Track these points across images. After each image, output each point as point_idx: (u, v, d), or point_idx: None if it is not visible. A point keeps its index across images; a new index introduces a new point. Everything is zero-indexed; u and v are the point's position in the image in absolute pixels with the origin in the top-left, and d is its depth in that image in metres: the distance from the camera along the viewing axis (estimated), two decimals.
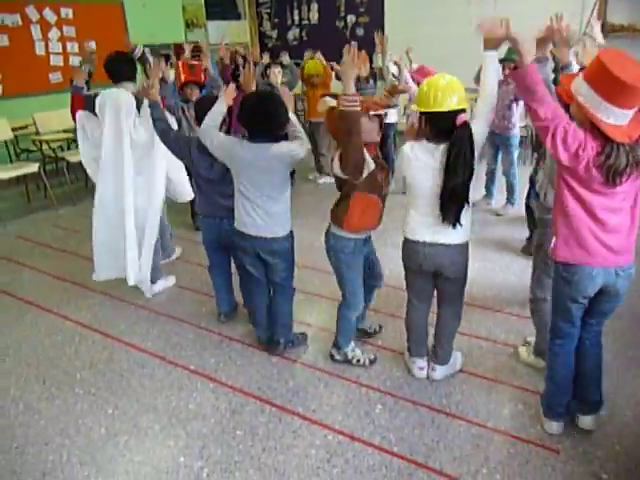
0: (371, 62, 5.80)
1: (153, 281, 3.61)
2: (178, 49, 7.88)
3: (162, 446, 2.34)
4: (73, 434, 2.43)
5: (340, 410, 2.50)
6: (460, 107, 2.16)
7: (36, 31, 6.56)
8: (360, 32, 8.41)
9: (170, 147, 2.93)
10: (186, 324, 3.29)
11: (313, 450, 2.27)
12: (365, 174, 2.36)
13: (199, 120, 2.78)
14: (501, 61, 3.88)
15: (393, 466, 2.17)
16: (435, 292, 2.56)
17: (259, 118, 2.49)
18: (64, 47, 6.87)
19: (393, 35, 8.07)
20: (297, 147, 2.55)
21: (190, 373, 2.82)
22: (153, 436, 2.40)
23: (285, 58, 6.16)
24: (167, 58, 5.85)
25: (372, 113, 2.38)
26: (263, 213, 2.60)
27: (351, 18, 8.48)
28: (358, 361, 2.79)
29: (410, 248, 2.44)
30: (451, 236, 2.31)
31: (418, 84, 3.06)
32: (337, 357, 2.82)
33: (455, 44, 5.15)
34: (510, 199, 4.87)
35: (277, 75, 5.24)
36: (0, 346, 3.15)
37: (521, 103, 4.29)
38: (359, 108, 2.23)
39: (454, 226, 2.25)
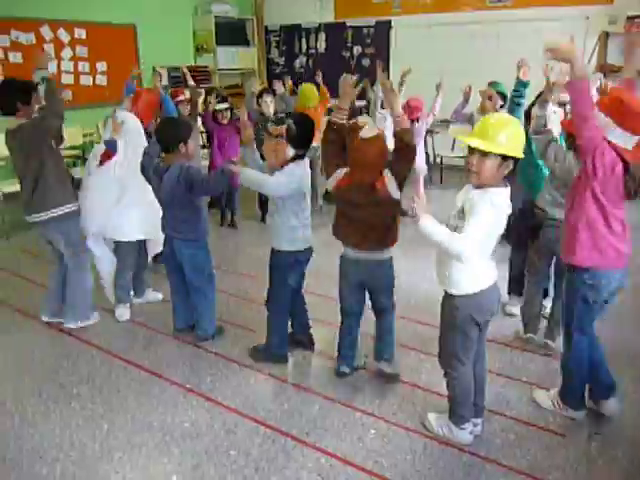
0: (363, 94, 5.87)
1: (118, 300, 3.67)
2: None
3: (156, 463, 2.35)
4: (68, 448, 2.44)
5: (333, 434, 2.52)
6: None
7: (49, 50, 6.71)
8: (366, 62, 8.61)
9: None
10: (182, 343, 3.32)
11: (305, 472, 2.29)
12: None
13: (160, 143, 3.01)
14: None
15: None
16: None
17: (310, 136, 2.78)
18: (75, 66, 7.02)
19: (397, 67, 8.33)
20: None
21: (186, 391, 2.85)
22: (147, 453, 2.41)
23: (279, 87, 6.09)
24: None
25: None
26: None
27: (357, 49, 8.69)
28: None
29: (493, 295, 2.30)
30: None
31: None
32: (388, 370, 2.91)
33: (458, 77, 5.30)
34: None
35: (269, 105, 5.21)
36: None
37: None
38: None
39: None
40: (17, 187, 3.66)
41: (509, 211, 2.10)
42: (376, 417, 2.63)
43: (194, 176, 2.92)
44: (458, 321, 2.22)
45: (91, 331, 3.47)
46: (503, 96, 4.13)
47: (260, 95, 5.31)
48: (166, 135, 2.99)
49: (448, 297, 2.27)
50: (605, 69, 6.22)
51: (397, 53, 8.25)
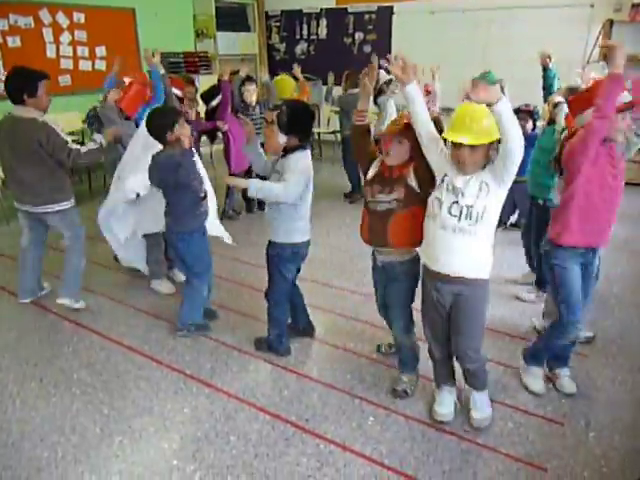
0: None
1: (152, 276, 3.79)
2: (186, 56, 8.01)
3: (156, 448, 2.37)
4: (68, 432, 2.46)
5: (333, 420, 2.53)
6: None
7: (48, 34, 6.65)
8: (367, 49, 8.54)
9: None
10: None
11: (304, 458, 2.31)
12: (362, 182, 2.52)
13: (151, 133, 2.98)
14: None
15: (383, 477, 2.20)
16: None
17: (312, 124, 2.78)
18: (74, 51, 6.96)
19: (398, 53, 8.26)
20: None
21: (186, 377, 2.86)
22: (147, 438, 2.43)
23: (265, 77, 6.00)
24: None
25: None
26: None
27: (359, 35, 8.62)
28: None
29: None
30: None
31: None
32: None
33: (461, 64, 5.26)
34: None
35: (252, 93, 5.12)
36: None
37: None
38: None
39: None
40: None
41: None
42: (375, 404, 2.64)
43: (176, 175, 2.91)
44: None
45: (91, 317, 3.48)
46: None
47: (243, 83, 5.17)
48: (153, 128, 2.96)
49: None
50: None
51: (399, 39, 8.18)
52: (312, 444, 2.39)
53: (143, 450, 2.36)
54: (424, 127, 2.20)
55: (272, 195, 2.63)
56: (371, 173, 2.48)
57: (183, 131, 2.97)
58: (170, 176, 2.89)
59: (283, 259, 2.84)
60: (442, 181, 2.19)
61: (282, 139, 2.67)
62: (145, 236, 3.71)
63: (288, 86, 5.54)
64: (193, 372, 2.90)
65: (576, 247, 2.51)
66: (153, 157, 2.95)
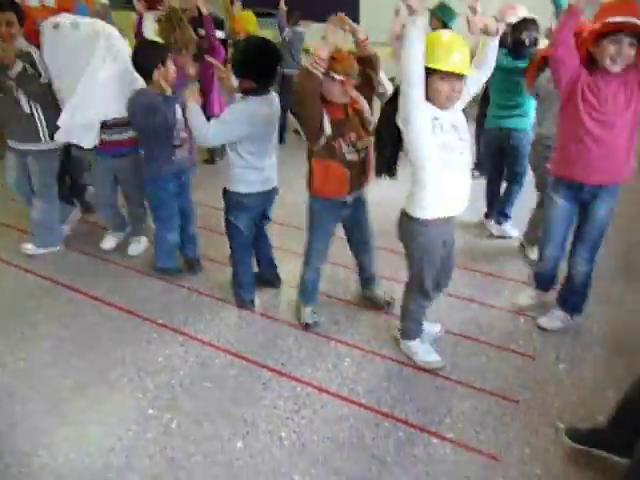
0: None
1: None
2: None
3: (131, 398, 2.34)
4: (38, 385, 2.40)
5: (309, 363, 2.53)
6: None
7: None
8: None
9: None
10: (154, 278, 3.25)
11: (281, 402, 2.31)
12: (322, 141, 2.34)
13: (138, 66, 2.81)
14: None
15: (360, 416, 2.23)
16: None
17: (273, 65, 2.50)
18: None
19: None
20: None
21: (158, 327, 2.81)
22: (121, 388, 2.39)
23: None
24: None
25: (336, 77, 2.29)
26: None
27: None
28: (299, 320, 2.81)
29: None
30: None
31: None
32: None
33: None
34: None
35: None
36: None
37: None
38: (321, 72, 2.20)
39: None
40: None
41: None
42: (350, 345, 2.65)
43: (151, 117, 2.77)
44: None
45: (55, 268, 3.36)
46: (444, 25, 4.25)
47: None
48: (142, 60, 2.80)
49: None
50: None
51: None
52: (289, 387, 2.39)
53: (118, 400, 2.33)
54: (420, 71, 1.93)
55: (192, 127, 2.50)
56: (328, 125, 2.34)
57: (170, 71, 2.82)
58: (149, 121, 2.76)
59: (229, 207, 2.75)
60: (434, 126, 2.02)
61: (235, 81, 2.51)
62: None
63: (251, 20, 5.29)
64: (166, 321, 2.85)
65: (561, 179, 2.47)
66: (132, 98, 2.79)
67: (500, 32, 2.13)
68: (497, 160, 3.67)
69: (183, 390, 2.37)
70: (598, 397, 2.30)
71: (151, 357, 2.58)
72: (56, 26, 3.04)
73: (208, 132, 2.45)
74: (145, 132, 2.90)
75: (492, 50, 2.16)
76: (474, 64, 2.14)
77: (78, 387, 2.39)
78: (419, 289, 2.39)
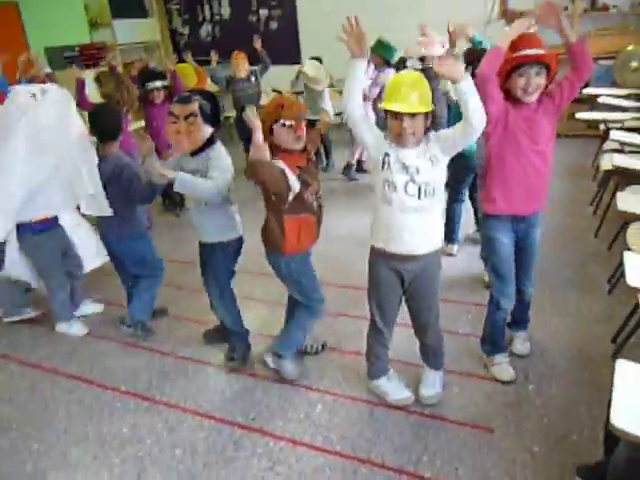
0: None
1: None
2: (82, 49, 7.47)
3: (96, 477, 2.22)
4: None
5: (279, 415, 2.47)
6: None
7: None
8: (274, 26, 8.32)
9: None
10: (113, 342, 3.14)
11: (255, 460, 2.23)
12: (291, 198, 2.29)
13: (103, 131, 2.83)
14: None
15: (336, 466, 2.17)
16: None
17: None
18: None
19: (305, 26, 8.10)
20: None
21: (121, 394, 2.69)
22: (85, 467, 2.27)
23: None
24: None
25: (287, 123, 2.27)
26: None
27: (264, 12, 8.36)
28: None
29: None
30: None
31: None
32: (272, 365, 2.72)
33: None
34: None
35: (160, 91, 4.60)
36: None
37: None
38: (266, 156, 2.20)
39: None
40: None
41: None
42: (321, 391, 2.60)
43: (125, 181, 2.81)
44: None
45: (6, 342, 3.20)
46: (386, 61, 4.48)
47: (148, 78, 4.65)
48: (108, 124, 2.84)
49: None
50: (509, 14, 6.31)
51: (305, 13, 8.01)
52: (261, 443, 2.32)
53: None
54: (359, 107, 2.07)
55: (198, 192, 2.45)
56: (294, 180, 2.26)
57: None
58: (128, 182, 2.80)
59: (227, 256, 2.68)
60: (384, 162, 2.05)
61: (208, 131, 2.50)
62: (45, 277, 3.18)
63: (191, 74, 5.32)
64: (128, 387, 2.74)
65: (501, 216, 2.42)
66: (102, 167, 2.81)
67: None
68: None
69: (152, 461, 2.27)
70: (571, 415, 2.31)
71: (115, 429, 2.46)
72: None
73: (219, 190, 2.42)
74: (129, 192, 2.84)
75: (464, 98, 1.92)
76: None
77: (38, 473, 2.26)
78: (370, 321, 2.42)
